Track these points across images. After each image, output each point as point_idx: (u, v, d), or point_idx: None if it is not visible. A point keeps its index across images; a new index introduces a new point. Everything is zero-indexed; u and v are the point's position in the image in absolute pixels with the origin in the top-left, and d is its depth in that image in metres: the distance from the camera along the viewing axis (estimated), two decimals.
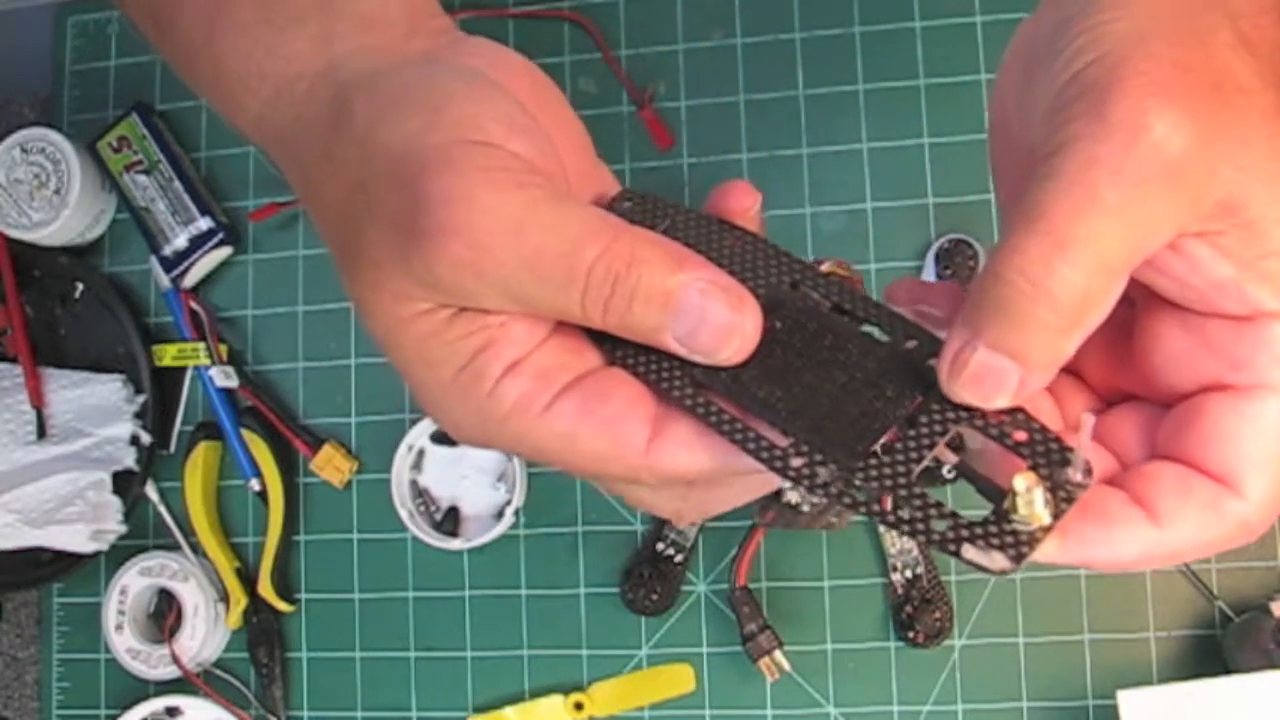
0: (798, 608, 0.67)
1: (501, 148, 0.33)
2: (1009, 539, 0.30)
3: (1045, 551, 0.30)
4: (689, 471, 0.33)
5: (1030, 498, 0.30)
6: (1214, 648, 0.64)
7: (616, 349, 0.35)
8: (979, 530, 0.30)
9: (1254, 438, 0.31)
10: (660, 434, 0.33)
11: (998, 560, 0.30)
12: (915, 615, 0.65)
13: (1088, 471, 0.30)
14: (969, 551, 0.30)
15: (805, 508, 0.59)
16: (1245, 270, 0.30)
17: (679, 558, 0.68)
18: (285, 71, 0.37)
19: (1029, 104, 0.32)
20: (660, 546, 0.68)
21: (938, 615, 0.65)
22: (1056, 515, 0.30)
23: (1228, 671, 0.62)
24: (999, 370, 0.30)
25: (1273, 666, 0.60)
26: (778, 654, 0.65)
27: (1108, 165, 0.29)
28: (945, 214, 0.68)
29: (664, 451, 0.33)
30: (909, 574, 0.66)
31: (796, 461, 0.32)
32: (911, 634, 0.65)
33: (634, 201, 0.37)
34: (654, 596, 0.67)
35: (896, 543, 0.66)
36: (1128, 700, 0.60)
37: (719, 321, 0.32)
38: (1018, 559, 0.30)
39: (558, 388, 0.34)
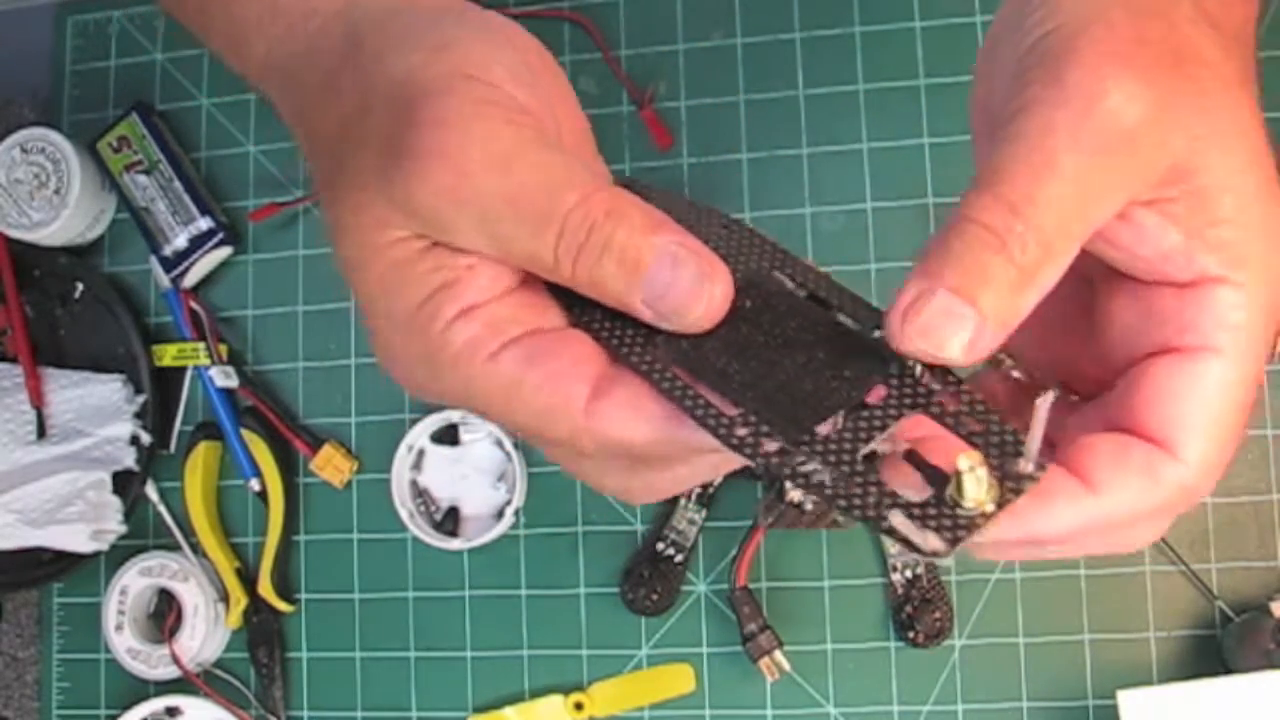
0: (798, 608, 0.67)
1: (501, 88, 0.34)
2: (946, 521, 0.29)
3: (983, 534, 0.30)
4: (629, 438, 0.32)
5: (974, 477, 0.29)
6: (1214, 648, 0.64)
7: (582, 314, 0.35)
8: (916, 510, 0.29)
9: (1192, 398, 0.31)
10: (603, 395, 0.32)
11: (931, 541, 0.29)
12: (915, 615, 0.65)
13: (1040, 465, 0.30)
14: (899, 521, 0.29)
15: (809, 506, 0.59)
16: (1193, 238, 0.31)
17: (679, 558, 0.68)
18: (301, 8, 0.38)
19: (996, 77, 0.32)
20: (660, 546, 0.68)
21: (938, 615, 0.65)
22: (1001, 505, 0.29)
23: (1228, 671, 0.62)
24: (956, 315, 0.30)
25: (1273, 666, 0.60)
26: (778, 654, 0.65)
27: (1065, 131, 0.29)
28: (945, 214, 0.67)
29: (605, 414, 0.32)
30: (909, 574, 0.66)
31: (742, 431, 0.31)
32: (911, 634, 0.65)
33: (630, 187, 0.38)
34: (654, 596, 0.67)
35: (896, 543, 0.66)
36: (1128, 700, 0.60)
37: (687, 284, 0.32)
38: (953, 542, 0.29)
39: (507, 338, 0.33)
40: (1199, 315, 0.31)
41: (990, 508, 0.29)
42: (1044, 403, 0.29)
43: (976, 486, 0.29)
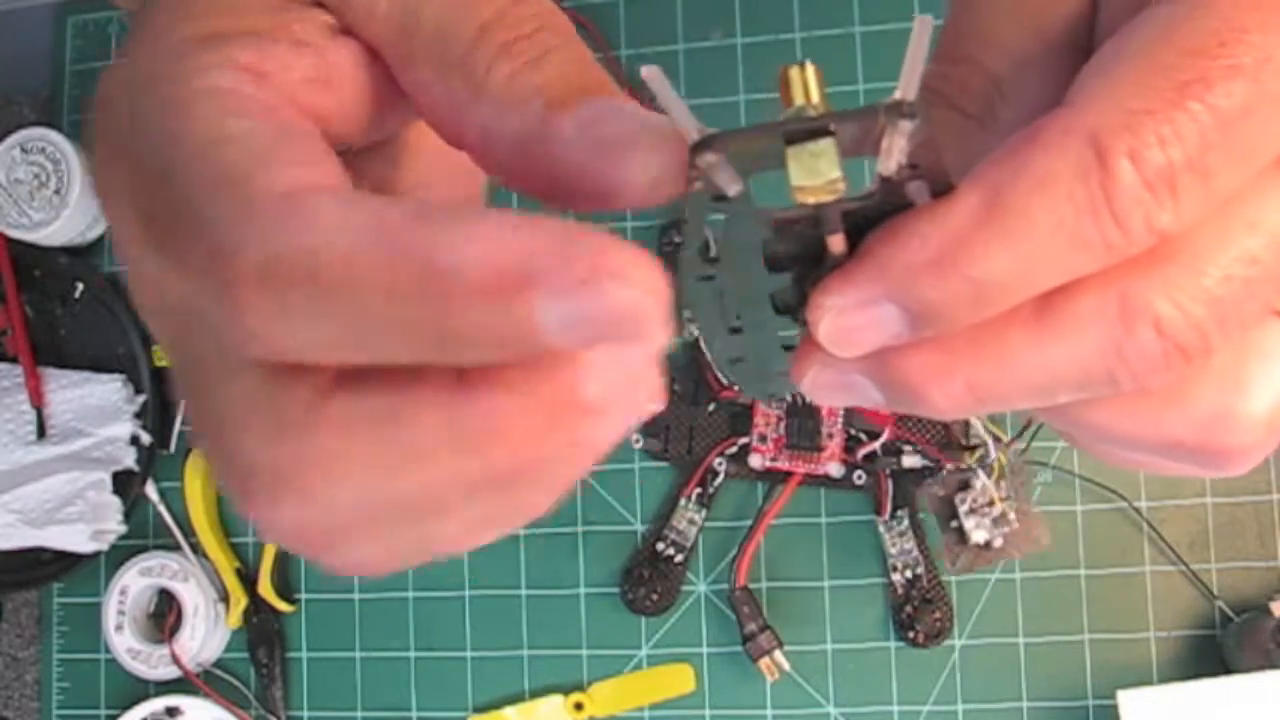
0: (798, 608, 0.67)
1: None
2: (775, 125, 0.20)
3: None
4: (333, 234, 0.19)
5: (802, 75, 0.21)
6: (1214, 648, 0.64)
7: None
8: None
9: (1108, 47, 0.22)
10: (324, 181, 0.21)
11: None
12: (915, 615, 0.65)
13: (913, 114, 0.20)
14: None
15: (997, 543, 0.63)
16: None
17: (679, 558, 0.68)
18: None
19: None
20: (660, 546, 0.68)
21: (938, 615, 0.65)
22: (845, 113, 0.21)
23: (1228, 671, 0.62)
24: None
25: (1273, 666, 0.60)
26: (778, 654, 0.65)
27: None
28: None
29: (314, 199, 0.19)
30: (909, 574, 0.66)
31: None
32: (911, 634, 0.65)
33: None
34: (654, 596, 0.68)
35: (896, 543, 0.66)
36: (1128, 700, 0.60)
37: (636, 124, 0.23)
38: (792, 137, 0.20)
39: (271, 110, 0.22)
40: None
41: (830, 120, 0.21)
42: (923, 26, 0.20)
43: (802, 82, 0.21)
